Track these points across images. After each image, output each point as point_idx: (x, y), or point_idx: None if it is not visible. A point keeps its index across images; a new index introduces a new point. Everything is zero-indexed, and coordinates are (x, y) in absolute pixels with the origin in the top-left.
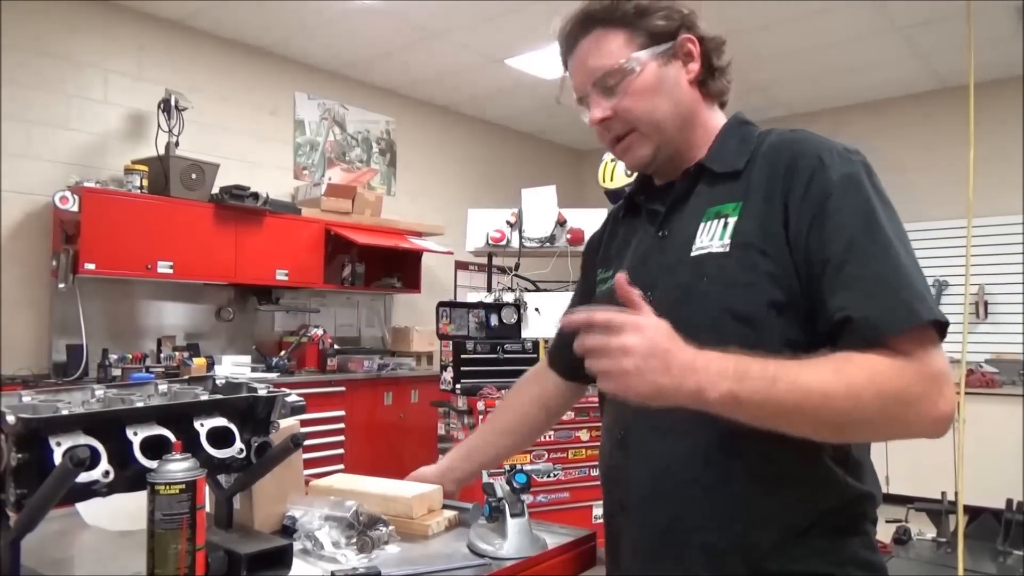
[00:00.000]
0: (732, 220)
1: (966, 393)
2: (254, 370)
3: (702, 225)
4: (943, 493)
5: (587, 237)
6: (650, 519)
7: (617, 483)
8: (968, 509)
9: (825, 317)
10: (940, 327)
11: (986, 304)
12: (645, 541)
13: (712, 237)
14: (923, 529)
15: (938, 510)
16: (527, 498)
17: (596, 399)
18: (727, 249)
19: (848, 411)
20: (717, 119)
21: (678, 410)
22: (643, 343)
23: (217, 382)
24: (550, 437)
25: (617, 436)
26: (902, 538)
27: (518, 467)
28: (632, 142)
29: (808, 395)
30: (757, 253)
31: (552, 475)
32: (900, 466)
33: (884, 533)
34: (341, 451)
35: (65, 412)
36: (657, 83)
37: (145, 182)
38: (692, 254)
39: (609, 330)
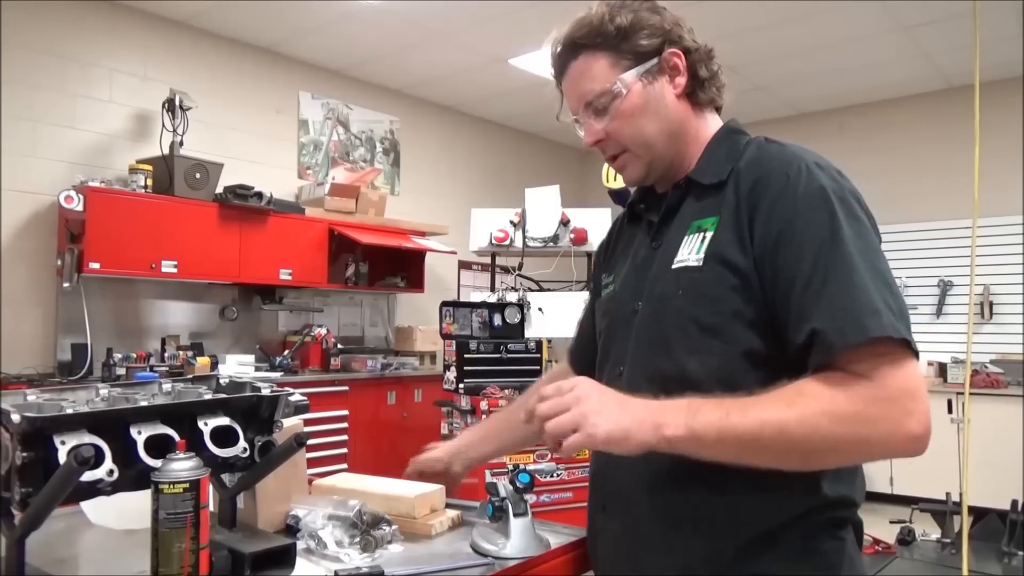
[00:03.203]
0: (709, 235)
1: (971, 394)
2: (258, 369)
3: (686, 239)
4: (948, 494)
5: (590, 237)
6: (624, 522)
7: (599, 485)
8: (973, 510)
9: (793, 335)
10: (906, 343)
11: (991, 304)
12: (621, 542)
13: (691, 251)
14: (927, 530)
15: (943, 511)
16: (530, 498)
17: None
18: (701, 263)
19: (806, 440)
20: (710, 127)
21: None
22: (596, 391)
23: (221, 381)
24: None
25: None
26: (906, 539)
27: (521, 467)
28: (625, 162)
29: (763, 426)
30: (725, 267)
31: (555, 475)
32: (905, 467)
33: (888, 533)
34: (344, 450)
35: (70, 411)
36: (644, 103)
37: (149, 181)
38: (673, 267)
39: (559, 393)
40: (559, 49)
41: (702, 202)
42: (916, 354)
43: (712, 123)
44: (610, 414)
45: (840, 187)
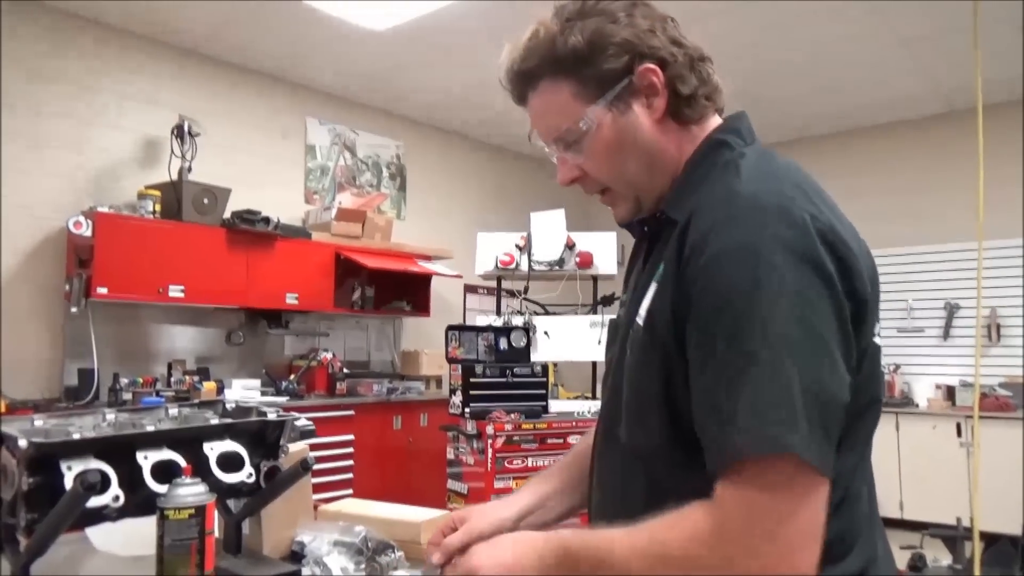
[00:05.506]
0: (654, 288)
1: (980, 417)
2: (264, 394)
3: (652, 283)
4: (958, 519)
5: (596, 260)
6: None
7: (592, 518)
8: (984, 535)
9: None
10: (798, 457)
11: (999, 327)
12: None
13: (646, 303)
14: (938, 556)
15: (953, 536)
16: None
17: None
18: (643, 322)
19: None
20: (698, 142)
21: (612, 466)
22: (481, 549)
23: (227, 406)
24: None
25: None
26: (917, 564)
27: None
28: (611, 200)
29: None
30: (654, 332)
31: None
32: (915, 491)
33: (899, 560)
34: (350, 475)
35: (76, 436)
36: (618, 137)
37: (158, 207)
38: (636, 317)
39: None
40: (513, 81)
41: (670, 239)
42: (819, 470)
43: (700, 136)
44: (489, 561)
45: (783, 240)
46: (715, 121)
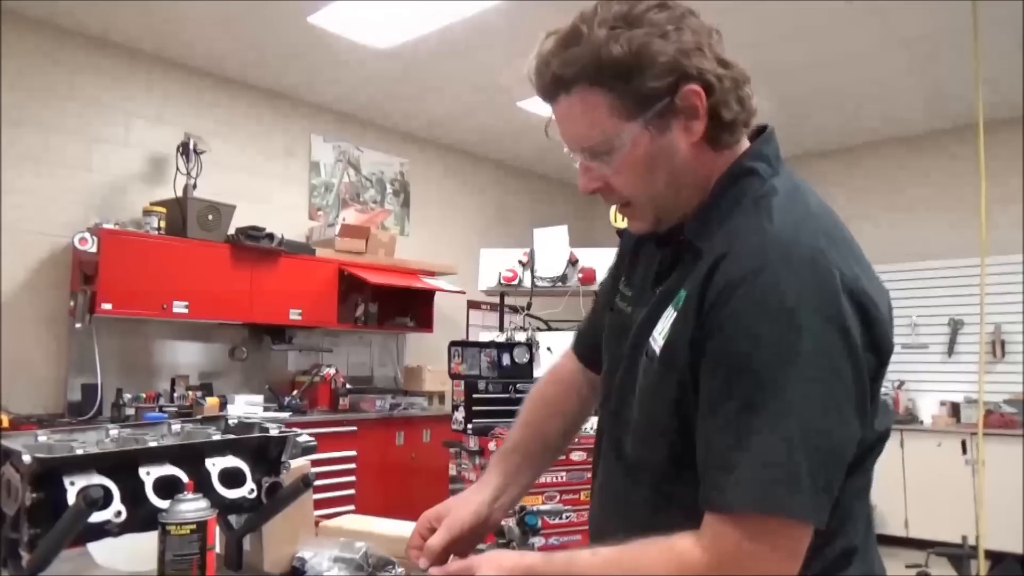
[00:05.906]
0: (673, 316)
1: (985, 434)
2: (267, 409)
3: (670, 308)
4: (964, 537)
5: (599, 277)
6: None
7: (594, 535)
8: (990, 554)
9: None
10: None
11: (1003, 343)
12: None
13: (663, 327)
14: (944, 574)
15: (959, 554)
16: (538, 540)
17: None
18: (658, 352)
19: None
20: (727, 164)
21: (616, 472)
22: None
23: (230, 422)
24: (561, 478)
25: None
26: None
27: (529, 508)
28: (631, 214)
29: None
30: (670, 362)
31: (563, 517)
32: (920, 509)
33: None
34: (352, 491)
35: (79, 452)
36: (651, 157)
37: (163, 223)
38: (650, 338)
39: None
40: (547, 82)
41: (695, 266)
42: (810, 524)
43: (730, 159)
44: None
45: (797, 297)
46: (744, 143)
